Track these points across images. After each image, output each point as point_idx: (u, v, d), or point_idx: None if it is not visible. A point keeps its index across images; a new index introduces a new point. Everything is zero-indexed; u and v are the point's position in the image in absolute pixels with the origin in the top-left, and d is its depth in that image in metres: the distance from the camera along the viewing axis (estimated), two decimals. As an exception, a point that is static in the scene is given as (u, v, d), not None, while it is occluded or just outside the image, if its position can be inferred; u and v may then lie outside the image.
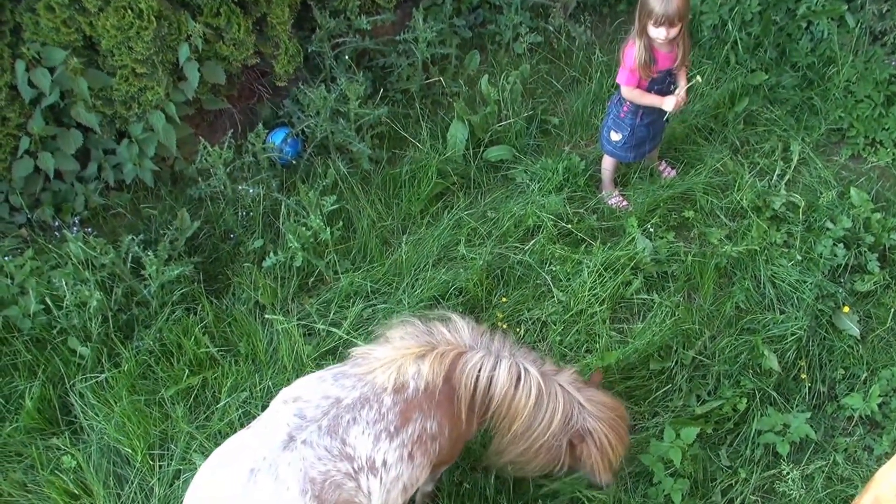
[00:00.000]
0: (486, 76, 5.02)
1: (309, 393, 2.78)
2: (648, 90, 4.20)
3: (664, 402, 3.97)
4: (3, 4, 3.84)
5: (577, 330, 4.10)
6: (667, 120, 4.42)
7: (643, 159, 4.65)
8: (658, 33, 3.95)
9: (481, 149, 4.84)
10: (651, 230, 4.45)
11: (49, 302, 3.87)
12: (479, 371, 2.92)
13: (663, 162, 4.86)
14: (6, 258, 4.01)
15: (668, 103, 4.17)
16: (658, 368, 4.02)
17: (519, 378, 2.95)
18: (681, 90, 4.23)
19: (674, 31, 3.95)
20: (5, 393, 3.80)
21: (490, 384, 2.93)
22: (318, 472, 2.60)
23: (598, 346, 4.05)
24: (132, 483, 3.63)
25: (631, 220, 4.43)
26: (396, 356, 2.85)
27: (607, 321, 4.15)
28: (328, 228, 4.30)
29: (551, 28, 5.47)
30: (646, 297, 4.27)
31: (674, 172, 4.80)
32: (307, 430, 2.65)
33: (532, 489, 3.61)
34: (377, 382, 2.80)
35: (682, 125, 4.97)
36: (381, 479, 2.72)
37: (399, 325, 3.00)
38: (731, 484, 3.71)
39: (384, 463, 2.73)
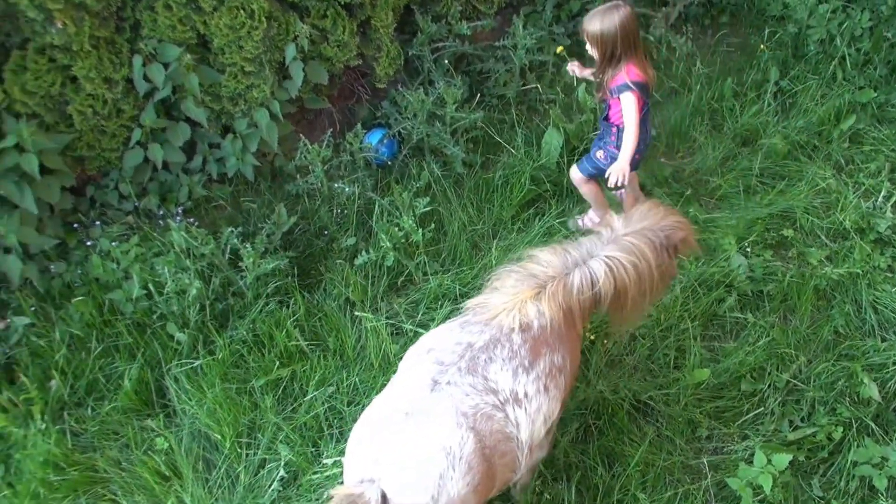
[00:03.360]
0: (583, 84, 4.98)
1: (440, 343, 2.90)
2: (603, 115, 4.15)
3: (754, 425, 3.85)
4: (124, 2, 4.02)
5: (666, 345, 4.02)
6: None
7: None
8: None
9: (575, 156, 4.80)
10: (748, 248, 4.34)
11: (151, 288, 4.02)
12: (584, 289, 3.02)
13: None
14: (113, 244, 4.19)
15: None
16: (750, 390, 3.90)
17: (612, 269, 3.03)
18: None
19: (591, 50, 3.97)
20: (106, 373, 3.95)
21: (595, 294, 3.04)
22: (469, 406, 2.71)
23: (687, 362, 3.96)
24: (220, 469, 3.72)
25: (728, 238, 4.32)
26: (514, 300, 2.96)
27: (698, 338, 4.06)
28: (420, 230, 4.34)
29: (651, 38, 5.39)
30: (739, 315, 4.16)
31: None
32: (448, 373, 2.77)
33: (614, 497, 3.56)
34: (503, 325, 2.91)
35: (784, 141, 4.83)
36: (525, 409, 2.82)
37: (503, 273, 3.10)
38: (824, 515, 3.58)
39: (526, 395, 2.83)
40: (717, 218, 4.59)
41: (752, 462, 3.59)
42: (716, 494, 3.65)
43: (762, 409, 3.86)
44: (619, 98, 3.91)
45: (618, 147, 4.04)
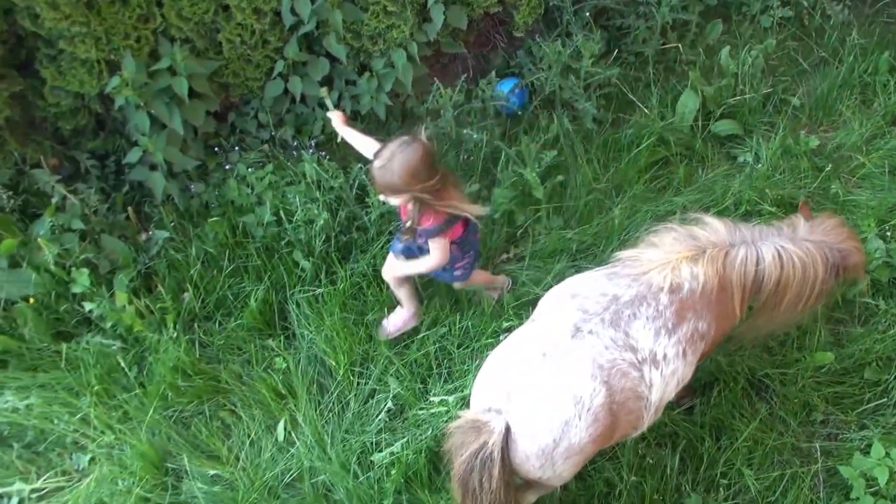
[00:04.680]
0: (727, 47, 4.79)
1: (586, 290, 2.91)
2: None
3: (875, 415, 3.70)
4: (279, -65, 4.12)
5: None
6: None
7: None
8: None
9: (710, 121, 4.65)
10: (888, 232, 4.11)
11: (282, 215, 4.18)
12: (748, 265, 2.95)
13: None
14: (249, 170, 4.36)
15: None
16: (874, 379, 3.75)
17: (781, 258, 2.96)
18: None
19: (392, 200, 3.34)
20: (234, 291, 4.16)
21: (758, 273, 2.97)
22: (606, 360, 2.73)
23: (810, 344, 3.83)
24: (332, 394, 3.88)
25: (867, 220, 4.11)
26: (669, 259, 2.93)
27: (823, 320, 3.91)
28: (543, 182, 4.32)
29: (805, 3, 5.11)
30: (871, 301, 3.98)
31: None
32: (591, 322, 2.78)
33: (718, 469, 3.52)
34: (653, 283, 2.89)
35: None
36: (661, 371, 2.82)
37: (662, 230, 3.07)
38: (941, 517, 3.43)
39: (664, 357, 2.82)
40: (857, 198, 4.37)
41: (868, 453, 3.47)
42: (825, 481, 3.55)
43: (885, 399, 3.72)
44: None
45: (464, 265, 3.67)
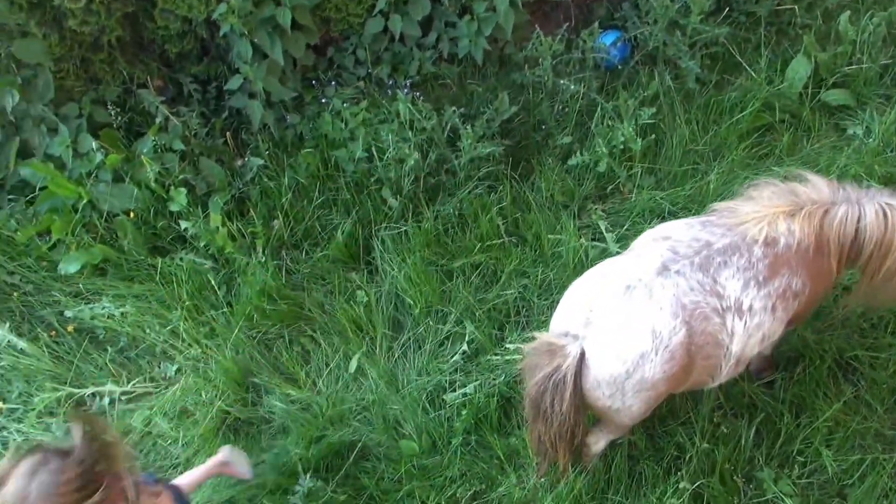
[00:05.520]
0: (847, 12, 4.55)
1: (679, 234, 2.89)
2: None
3: None
4: None
5: (884, 304, 3.74)
6: None
7: None
8: None
9: (821, 90, 4.44)
10: None
11: (373, 152, 4.22)
12: (847, 223, 2.88)
13: None
14: (344, 105, 4.40)
15: None
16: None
17: (886, 216, 2.87)
18: None
19: None
20: (322, 223, 4.25)
21: (858, 233, 2.89)
22: (690, 301, 2.72)
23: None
24: (408, 331, 3.94)
25: None
26: (766, 212, 2.88)
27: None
28: (638, 140, 4.23)
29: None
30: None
31: None
32: (680, 263, 2.77)
33: (795, 446, 3.45)
34: (748, 234, 2.85)
35: None
36: (745, 322, 2.80)
37: (762, 184, 3.01)
38: None
39: (750, 308, 2.80)
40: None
41: (956, 446, 3.34)
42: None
43: (979, 394, 3.55)
44: None
45: None
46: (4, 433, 3.93)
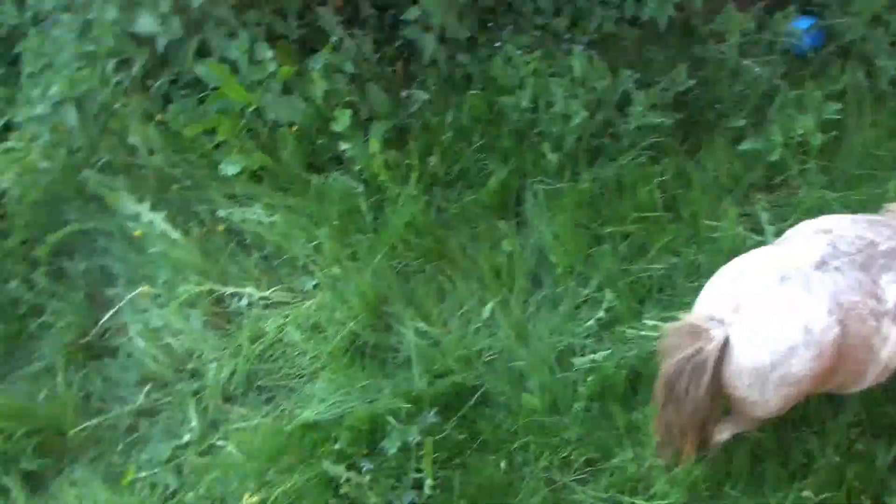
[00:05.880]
0: None
1: (842, 229, 2.80)
2: None
3: None
4: None
5: None
6: None
7: None
8: None
9: None
10: None
11: (540, 104, 4.17)
12: None
13: None
14: (517, 52, 4.35)
15: None
16: None
17: None
18: None
19: None
20: (478, 166, 4.24)
21: None
22: (847, 300, 2.63)
23: None
24: (546, 288, 3.91)
25: None
26: None
27: None
28: (819, 134, 4.02)
29: None
30: None
31: None
32: (839, 260, 2.67)
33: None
34: None
35: None
36: None
37: None
38: None
39: None
40: None
41: None
42: None
43: None
44: None
45: None
46: (146, 316, 4.15)
